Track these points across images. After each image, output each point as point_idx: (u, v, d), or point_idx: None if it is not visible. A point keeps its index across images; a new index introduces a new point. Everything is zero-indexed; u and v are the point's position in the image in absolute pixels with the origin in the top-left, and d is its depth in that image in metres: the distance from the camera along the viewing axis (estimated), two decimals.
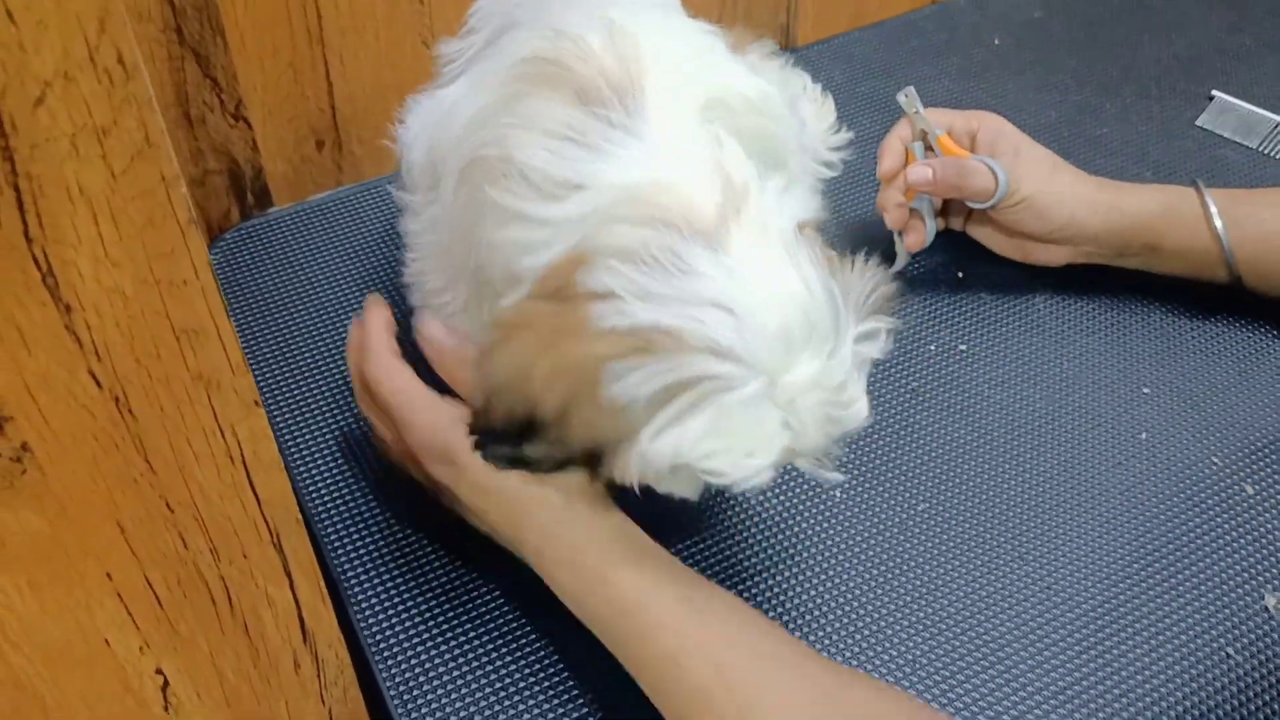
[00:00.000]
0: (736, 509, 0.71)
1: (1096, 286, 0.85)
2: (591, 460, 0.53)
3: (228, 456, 0.44)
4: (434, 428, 0.62)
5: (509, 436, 0.54)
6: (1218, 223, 0.78)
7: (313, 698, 0.57)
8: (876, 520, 0.71)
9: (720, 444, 0.50)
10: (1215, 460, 0.75)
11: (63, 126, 0.33)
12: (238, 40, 0.85)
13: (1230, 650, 0.65)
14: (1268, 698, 0.63)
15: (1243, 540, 0.70)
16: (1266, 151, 0.98)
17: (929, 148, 0.82)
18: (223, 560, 0.47)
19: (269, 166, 0.94)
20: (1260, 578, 0.69)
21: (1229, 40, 1.11)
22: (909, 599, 0.67)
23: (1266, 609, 0.67)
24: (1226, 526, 0.71)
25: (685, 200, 0.52)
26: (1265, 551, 0.70)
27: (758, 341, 0.49)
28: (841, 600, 0.67)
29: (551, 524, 0.59)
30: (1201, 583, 0.68)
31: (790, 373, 0.50)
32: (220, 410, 0.42)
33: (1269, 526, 0.71)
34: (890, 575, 0.68)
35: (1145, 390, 0.79)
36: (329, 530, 0.69)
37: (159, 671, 0.49)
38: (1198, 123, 1.01)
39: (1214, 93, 1.04)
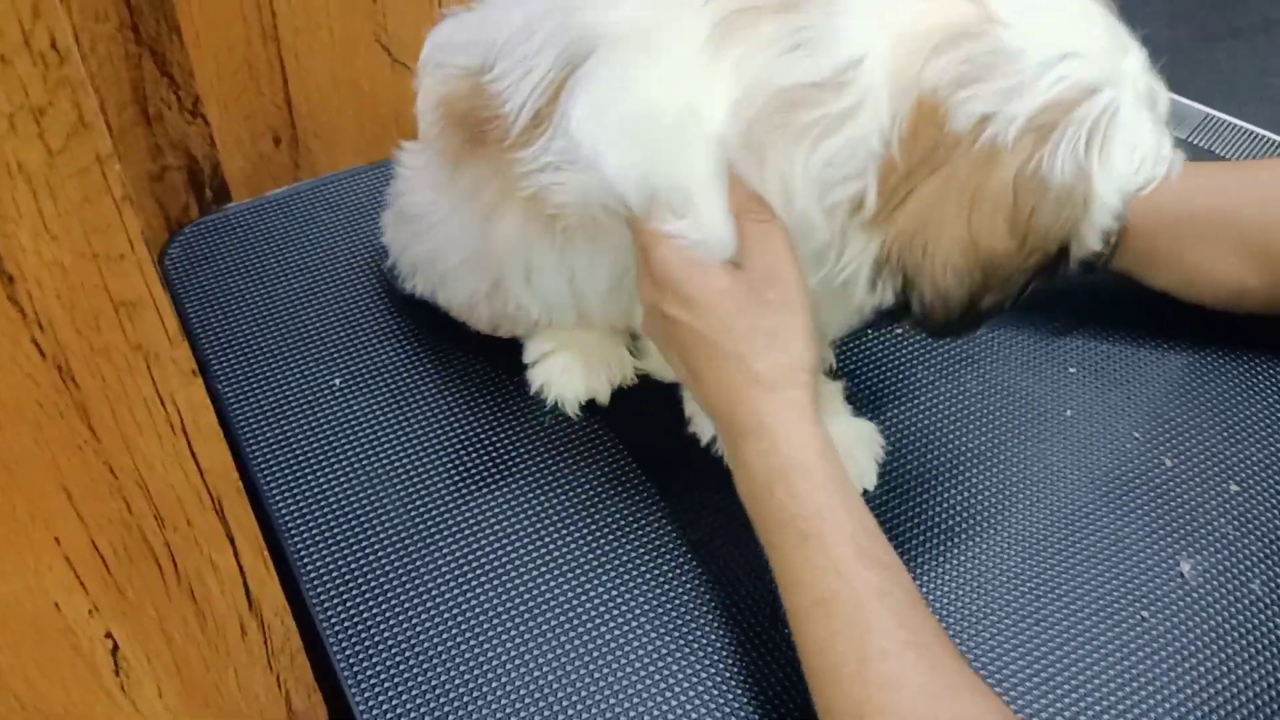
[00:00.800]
0: (657, 498, 0.74)
1: None
2: (1058, 261, 0.57)
3: (168, 425, 0.46)
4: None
5: (964, 311, 0.57)
6: None
7: (260, 665, 0.59)
8: None
9: (1138, 153, 0.56)
10: (1136, 435, 0.78)
11: (1, 106, 0.35)
12: (193, 37, 0.87)
13: (1145, 614, 0.68)
14: (1179, 658, 0.66)
15: (1161, 510, 0.73)
16: (1196, 142, 1.01)
17: None
18: (167, 526, 0.50)
19: (227, 162, 0.96)
20: (1176, 545, 0.72)
21: (1163, 34, 1.14)
22: None
23: (1181, 574, 0.70)
24: (1146, 497, 0.74)
25: (944, 12, 0.55)
26: (1181, 520, 0.73)
27: (1106, 60, 0.55)
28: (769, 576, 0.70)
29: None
30: (1121, 550, 0.71)
31: (1132, 70, 0.56)
32: (160, 380, 0.45)
33: (1186, 497, 0.74)
34: None
35: (1072, 370, 0.82)
36: (279, 504, 0.71)
37: (109, 636, 0.51)
38: None
39: None
